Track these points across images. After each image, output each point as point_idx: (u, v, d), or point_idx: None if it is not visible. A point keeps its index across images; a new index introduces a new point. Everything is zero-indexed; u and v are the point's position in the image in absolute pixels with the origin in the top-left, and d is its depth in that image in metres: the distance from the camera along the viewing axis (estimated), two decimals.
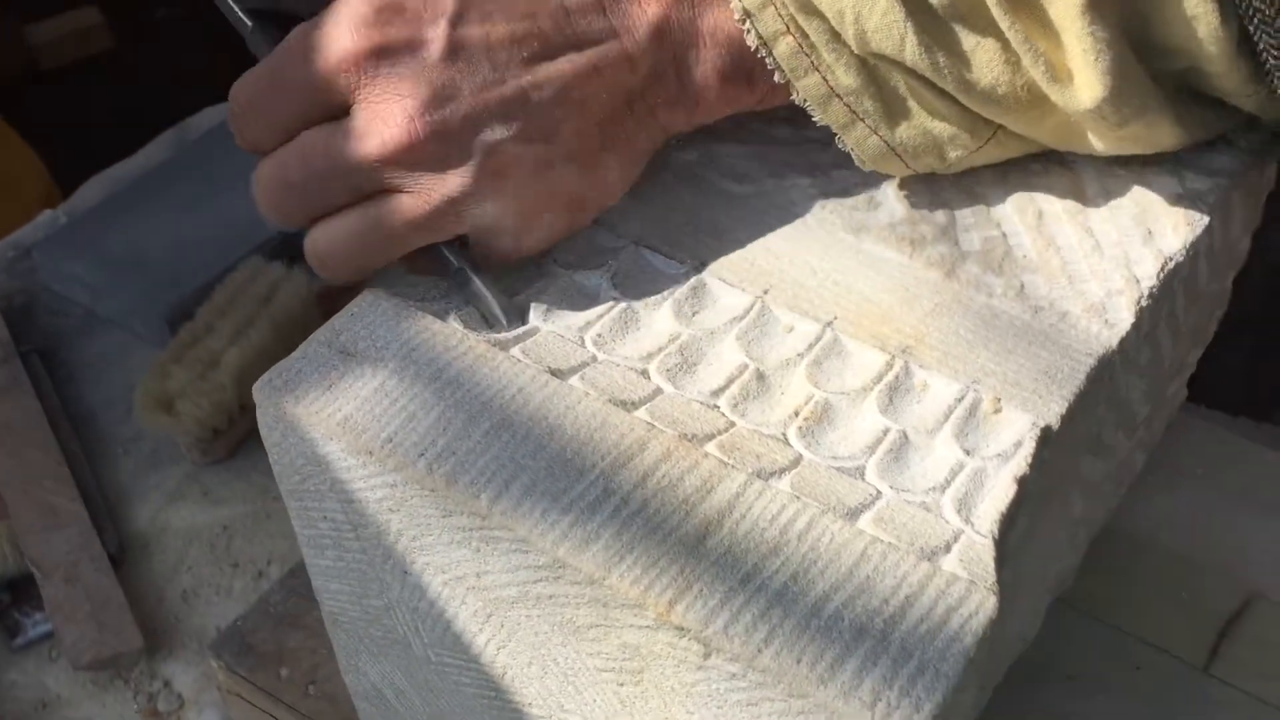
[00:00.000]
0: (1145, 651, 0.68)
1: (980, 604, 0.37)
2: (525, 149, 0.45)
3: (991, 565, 0.38)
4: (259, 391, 0.44)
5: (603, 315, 0.46)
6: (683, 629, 0.37)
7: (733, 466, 0.41)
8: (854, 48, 0.44)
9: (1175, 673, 0.67)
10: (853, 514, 0.40)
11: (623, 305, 0.47)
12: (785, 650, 0.36)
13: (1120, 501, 0.65)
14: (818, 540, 0.38)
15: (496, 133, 0.44)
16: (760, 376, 0.45)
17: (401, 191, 0.45)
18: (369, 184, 0.45)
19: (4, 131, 1.88)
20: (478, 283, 0.46)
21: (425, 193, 0.44)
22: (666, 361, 0.45)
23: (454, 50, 0.44)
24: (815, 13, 0.44)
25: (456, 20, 0.44)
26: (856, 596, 0.37)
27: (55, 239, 0.90)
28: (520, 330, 0.46)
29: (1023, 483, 0.41)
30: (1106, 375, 0.45)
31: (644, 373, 0.44)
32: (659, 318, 0.47)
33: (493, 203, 0.45)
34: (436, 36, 0.44)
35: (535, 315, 0.46)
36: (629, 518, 0.39)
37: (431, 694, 0.50)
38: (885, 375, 0.44)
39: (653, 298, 0.47)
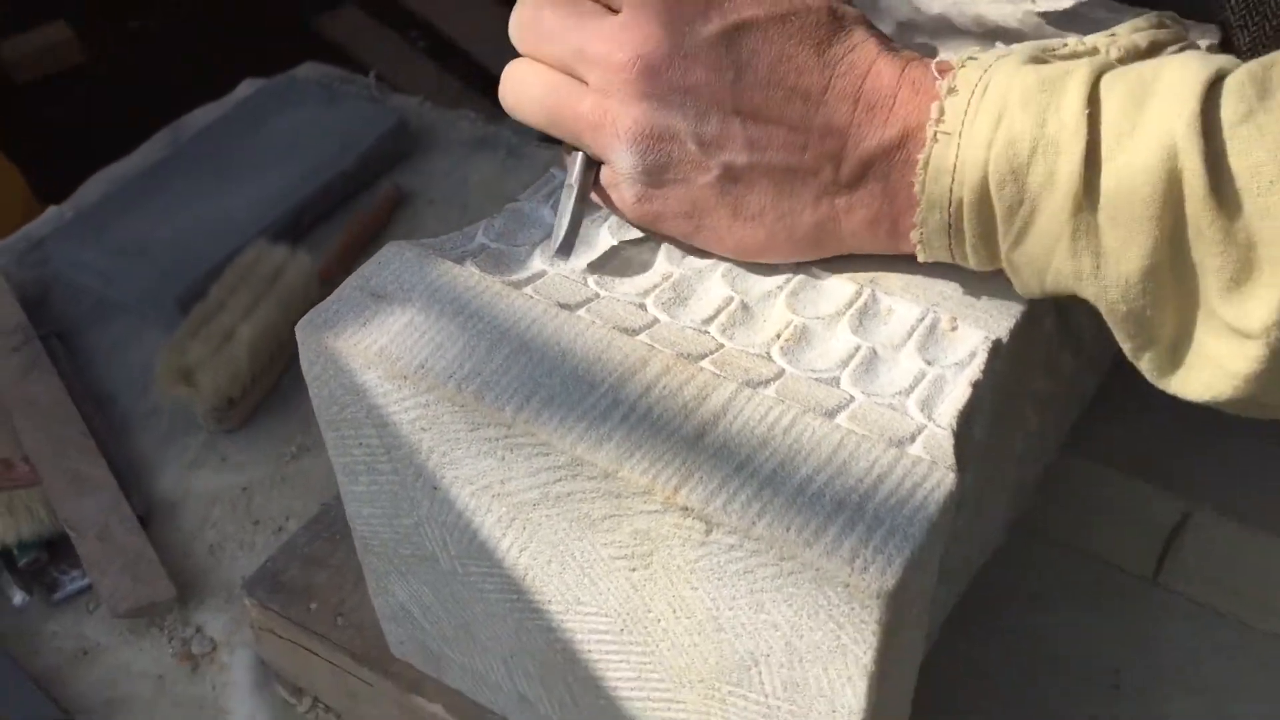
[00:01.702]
0: (1098, 567, 0.75)
1: (941, 479, 0.43)
2: (695, 152, 0.49)
3: (950, 450, 0.44)
4: (301, 330, 0.49)
5: (605, 260, 0.52)
6: (687, 509, 0.43)
7: (724, 378, 0.46)
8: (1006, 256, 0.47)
9: (1126, 585, 0.74)
10: (830, 413, 0.45)
11: (621, 252, 0.53)
12: (776, 522, 0.42)
13: (1072, 429, 0.71)
14: (800, 434, 0.44)
15: (686, 124, 0.48)
16: (745, 307, 0.51)
17: (592, 93, 0.49)
18: (580, 68, 0.50)
19: None
20: (569, 203, 0.51)
21: (604, 111, 0.49)
22: (661, 296, 0.51)
23: (724, 37, 0.48)
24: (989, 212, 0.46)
25: (736, 26, 0.48)
26: (835, 477, 0.43)
27: (67, 230, 0.95)
28: (530, 273, 0.51)
29: (977, 386, 0.47)
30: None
31: (642, 306, 0.50)
32: (654, 260, 0.53)
33: (635, 164, 0.50)
34: (717, 19, 0.48)
35: (541, 255, 0.52)
36: (636, 422, 0.45)
37: (457, 605, 0.56)
38: (855, 302, 0.51)
39: (649, 244, 0.53)
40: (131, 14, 2.83)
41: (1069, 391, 0.64)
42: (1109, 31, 0.51)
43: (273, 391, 0.86)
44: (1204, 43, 0.60)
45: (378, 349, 0.48)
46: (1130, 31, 0.51)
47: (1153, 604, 0.73)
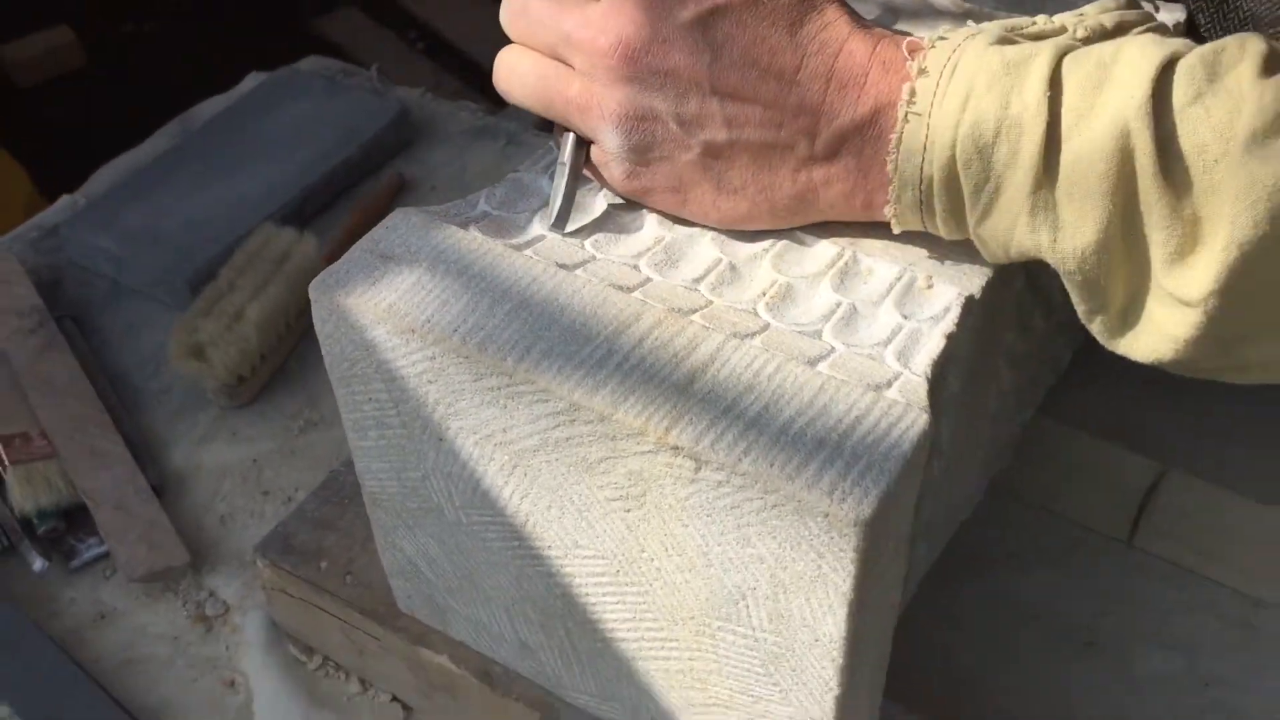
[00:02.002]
0: (1075, 530, 0.78)
1: (915, 419, 0.46)
2: (676, 133, 0.52)
3: (924, 394, 0.47)
4: (314, 289, 0.52)
5: (600, 225, 0.55)
6: (678, 448, 0.46)
7: (713, 330, 0.49)
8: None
9: (1102, 546, 0.77)
10: (812, 362, 0.48)
11: (616, 218, 0.56)
12: (760, 458, 0.45)
13: (1048, 394, 0.74)
14: (784, 380, 0.47)
15: (667, 105, 0.51)
16: (732, 267, 0.54)
17: (579, 77, 0.53)
18: (566, 53, 0.53)
19: None
20: (563, 180, 0.54)
21: (590, 95, 0.52)
22: (654, 258, 0.54)
23: (700, 22, 0.50)
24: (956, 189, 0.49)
25: (711, 11, 0.50)
26: (816, 418, 0.46)
27: (80, 217, 0.98)
28: (530, 237, 0.54)
29: (951, 338, 0.50)
30: None
31: (636, 266, 0.53)
32: (647, 225, 0.56)
33: (621, 143, 0.53)
34: (693, 4, 0.50)
35: (540, 223, 0.55)
36: (630, 369, 0.48)
37: (461, 556, 0.59)
38: (837, 263, 0.54)
39: (641, 210, 0.56)
40: (129, 17, 2.86)
41: (1041, 352, 0.67)
42: (1077, 11, 0.54)
43: (281, 369, 0.89)
44: (1171, 21, 0.64)
45: (386, 305, 0.51)
46: (1098, 12, 0.54)
47: (1127, 564, 0.76)
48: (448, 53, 2.48)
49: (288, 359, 0.89)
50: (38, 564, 0.77)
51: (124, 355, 0.91)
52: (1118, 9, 0.54)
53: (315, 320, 0.53)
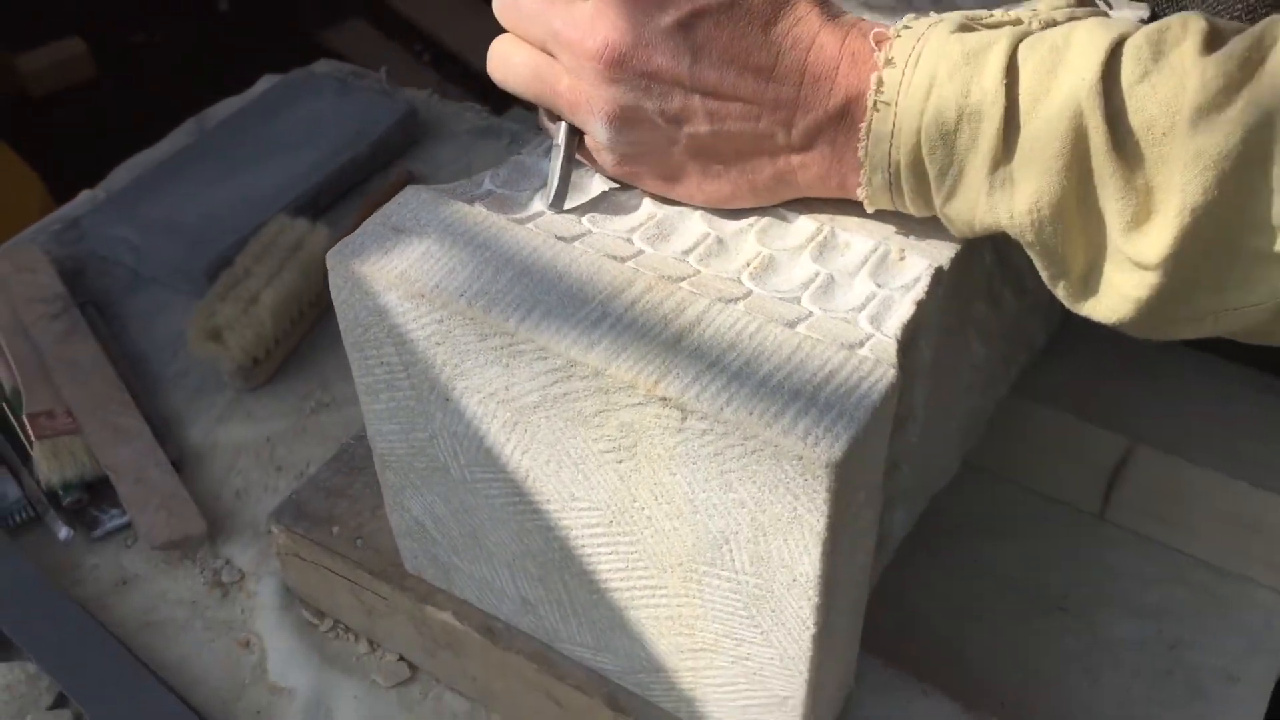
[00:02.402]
0: (1049, 504, 0.82)
1: (883, 374, 0.50)
2: (662, 127, 0.56)
3: (894, 352, 0.51)
4: (331, 258, 0.56)
5: (596, 201, 0.60)
6: (665, 399, 0.50)
7: (699, 295, 0.53)
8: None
9: (1075, 519, 0.81)
10: (791, 324, 0.52)
11: (611, 196, 0.60)
12: (741, 408, 0.49)
13: (1023, 374, 0.78)
14: (764, 339, 0.51)
15: (652, 104, 0.55)
16: (720, 241, 0.58)
17: (567, 73, 0.56)
18: (554, 49, 0.57)
19: (1, 150, 2.00)
20: (558, 162, 0.58)
21: (579, 90, 0.56)
22: (646, 232, 0.58)
23: (680, 26, 0.54)
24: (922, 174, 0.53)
25: (691, 15, 0.54)
26: (793, 373, 0.50)
27: (101, 210, 1.02)
28: (531, 212, 0.59)
29: (920, 304, 0.54)
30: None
31: (629, 239, 0.58)
32: (641, 204, 0.60)
33: (611, 136, 0.57)
34: (673, 10, 0.54)
35: (540, 201, 0.59)
36: (622, 329, 0.52)
37: (466, 514, 0.63)
38: (816, 237, 0.58)
39: (635, 190, 0.60)
40: (139, 28, 2.91)
41: (1014, 330, 0.71)
42: (1029, 6, 0.58)
43: (294, 353, 0.93)
44: (1136, 18, 0.68)
45: (398, 273, 0.55)
46: (1049, 9, 0.58)
47: (1099, 536, 0.80)
48: (451, 62, 2.53)
49: (300, 343, 0.93)
50: (63, 533, 0.81)
51: (143, 340, 0.95)
52: (1067, 5, 0.58)
53: (331, 288, 0.58)
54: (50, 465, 0.82)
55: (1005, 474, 0.82)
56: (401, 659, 0.75)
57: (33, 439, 0.83)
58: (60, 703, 0.73)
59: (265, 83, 1.18)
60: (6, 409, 0.87)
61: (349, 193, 1.06)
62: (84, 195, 1.09)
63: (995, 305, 0.66)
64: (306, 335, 0.93)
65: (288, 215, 0.96)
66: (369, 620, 0.74)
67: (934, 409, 0.63)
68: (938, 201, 0.54)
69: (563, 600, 0.63)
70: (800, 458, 0.47)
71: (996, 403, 0.75)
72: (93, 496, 0.83)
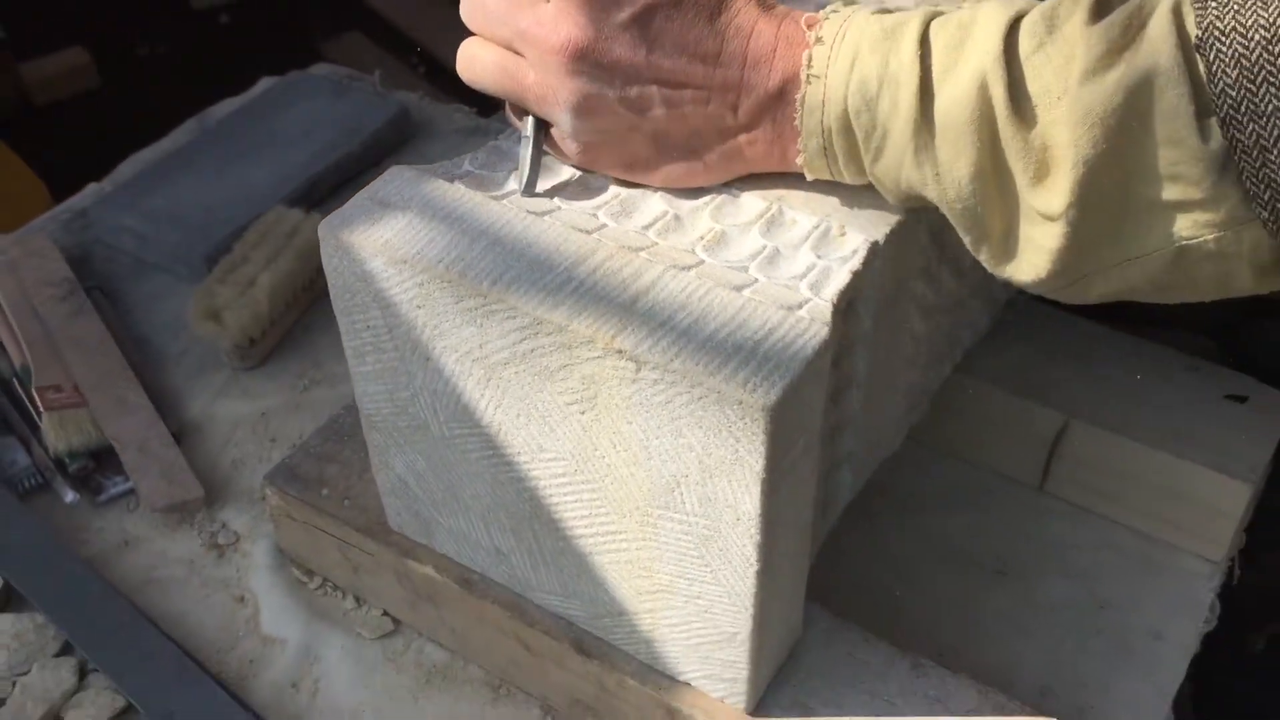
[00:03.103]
0: (992, 477, 0.87)
1: (817, 331, 0.55)
2: (624, 115, 0.62)
3: (828, 314, 0.57)
4: (323, 228, 0.62)
5: (566, 183, 0.65)
6: (621, 352, 0.55)
7: (655, 263, 0.59)
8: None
9: (1016, 492, 0.86)
10: (738, 288, 0.58)
11: (580, 176, 0.65)
12: (689, 359, 0.54)
13: (967, 356, 0.84)
14: (712, 301, 0.57)
15: (613, 93, 0.61)
16: (677, 218, 0.63)
17: (533, 68, 0.62)
18: (521, 47, 0.62)
19: (6, 154, 2.06)
20: (529, 152, 0.64)
21: (545, 86, 0.62)
22: (611, 209, 0.64)
23: (636, 20, 0.60)
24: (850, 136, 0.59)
25: (645, 10, 0.59)
26: (737, 330, 0.55)
27: (107, 200, 1.08)
28: (505, 191, 0.64)
29: (856, 274, 0.60)
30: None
31: (595, 215, 0.63)
32: (607, 185, 0.65)
33: (576, 125, 0.62)
34: (629, 6, 0.60)
35: (515, 184, 0.65)
36: (585, 292, 0.58)
37: (445, 469, 0.68)
38: (765, 214, 0.63)
39: (602, 175, 0.66)
40: (142, 40, 2.97)
41: (956, 310, 0.77)
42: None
43: (288, 334, 0.98)
44: None
45: (382, 241, 0.61)
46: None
47: (1039, 508, 0.85)
48: (445, 75, 2.59)
49: (295, 326, 0.99)
50: (69, 497, 0.86)
51: (146, 322, 1.01)
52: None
53: (323, 255, 0.63)
54: (57, 435, 0.87)
55: (951, 450, 0.87)
56: (385, 614, 0.80)
57: (41, 411, 0.89)
58: (66, 651, 0.78)
59: (264, 84, 1.24)
60: (17, 384, 0.93)
61: (342, 187, 1.12)
62: (90, 188, 1.14)
63: (934, 283, 0.71)
64: (300, 318, 0.99)
65: (284, 206, 1.02)
66: (355, 577, 0.79)
67: (876, 379, 0.69)
68: (867, 161, 0.60)
69: (533, 549, 0.68)
70: (740, 402, 0.53)
71: (941, 380, 0.81)
72: (98, 464, 0.88)
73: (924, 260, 0.69)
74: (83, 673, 0.76)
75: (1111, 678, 0.76)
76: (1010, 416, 0.84)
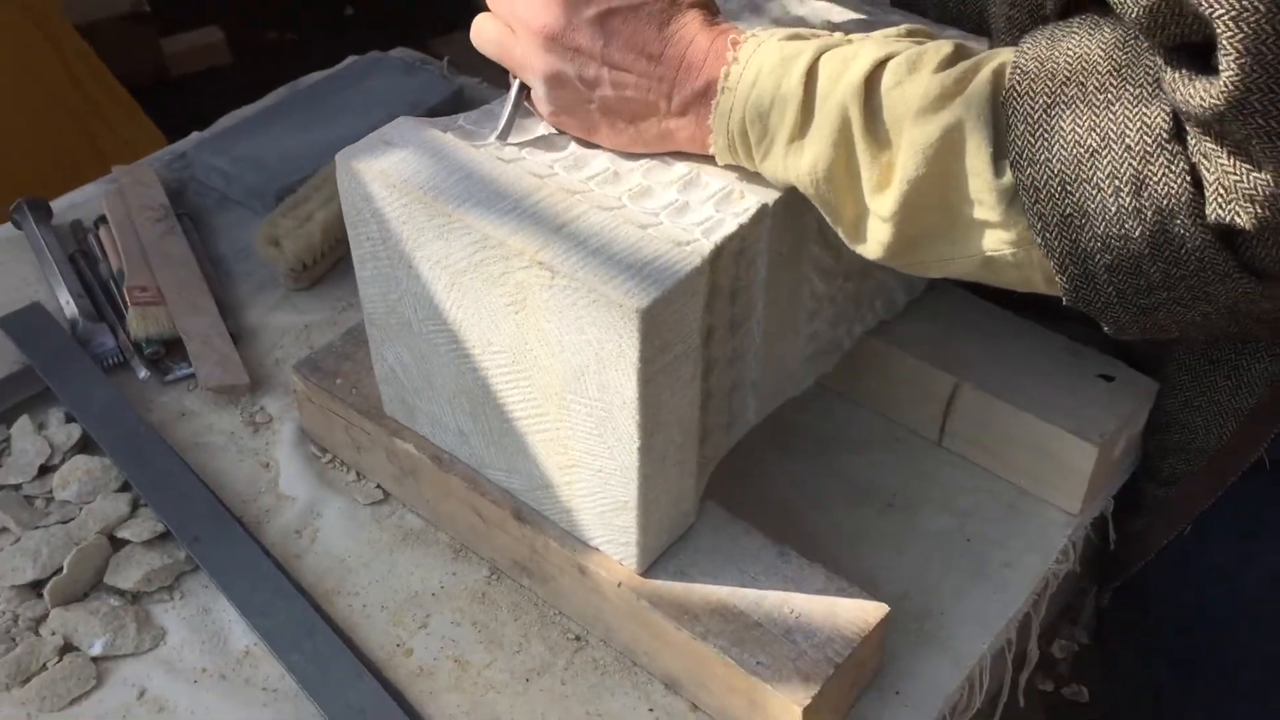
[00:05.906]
0: (900, 429, 1.02)
1: (692, 261, 0.72)
2: (581, 89, 0.78)
3: (707, 250, 0.73)
4: (339, 158, 0.81)
5: (537, 139, 0.83)
6: (543, 264, 0.72)
7: (585, 203, 0.76)
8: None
9: (917, 444, 1.01)
10: (643, 226, 0.75)
11: (548, 138, 0.83)
12: (591, 272, 0.71)
13: (882, 325, 0.99)
14: (620, 233, 0.74)
15: (574, 70, 0.77)
16: (615, 174, 0.80)
17: (519, 43, 0.79)
18: (514, 24, 0.79)
19: (140, 117, 2.30)
20: (508, 108, 0.81)
21: (526, 58, 0.79)
22: (565, 163, 0.81)
23: (599, 17, 0.76)
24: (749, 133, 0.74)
25: (607, 11, 0.75)
26: (632, 254, 0.72)
27: (203, 145, 1.29)
28: (485, 142, 0.82)
29: (742, 226, 0.76)
30: None
31: (551, 166, 0.81)
32: (569, 144, 0.83)
33: (546, 93, 0.80)
34: (595, 6, 0.75)
35: (492, 134, 0.83)
36: (525, 218, 0.75)
37: (423, 360, 0.86)
38: (686, 176, 0.80)
39: (567, 135, 0.83)
40: (273, 26, 3.22)
41: (861, 278, 0.93)
42: (863, 36, 0.80)
43: (335, 266, 1.17)
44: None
45: (380, 170, 0.79)
46: (881, 38, 0.79)
47: (937, 459, 1.00)
48: None
49: (340, 260, 1.18)
50: (142, 374, 1.06)
51: (223, 245, 1.21)
52: (896, 37, 0.79)
53: (338, 180, 0.82)
54: (139, 325, 1.07)
55: (866, 401, 1.03)
56: (378, 487, 0.98)
57: (128, 305, 1.09)
58: (125, 488, 0.97)
59: (349, 61, 1.44)
60: (113, 283, 1.13)
61: None
62: (193, 135, 1.35)
63: (831, 250, 0.87)
64: (347, 254, 1.18)
65: None
66: (357, 454, 0.98)
67: (777, 320, 0.85)
68: (757, 158, 0.76)
69: (485, 431, 0.86)
70: (621, 305, 0.70)
71: (854, 339, 0.97)
72: (168, 351, 1.08)
73: (818, 228, 0.85)
74: (135, 505, 0.96)
75: (964, 591, 0.90)
76: (914, 377, 0.99)
